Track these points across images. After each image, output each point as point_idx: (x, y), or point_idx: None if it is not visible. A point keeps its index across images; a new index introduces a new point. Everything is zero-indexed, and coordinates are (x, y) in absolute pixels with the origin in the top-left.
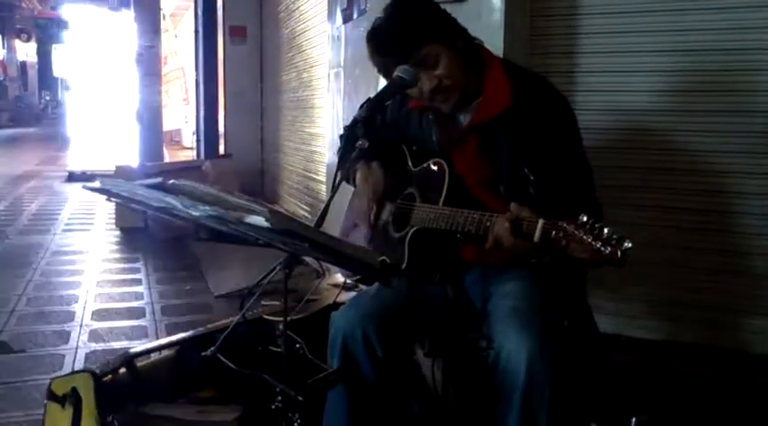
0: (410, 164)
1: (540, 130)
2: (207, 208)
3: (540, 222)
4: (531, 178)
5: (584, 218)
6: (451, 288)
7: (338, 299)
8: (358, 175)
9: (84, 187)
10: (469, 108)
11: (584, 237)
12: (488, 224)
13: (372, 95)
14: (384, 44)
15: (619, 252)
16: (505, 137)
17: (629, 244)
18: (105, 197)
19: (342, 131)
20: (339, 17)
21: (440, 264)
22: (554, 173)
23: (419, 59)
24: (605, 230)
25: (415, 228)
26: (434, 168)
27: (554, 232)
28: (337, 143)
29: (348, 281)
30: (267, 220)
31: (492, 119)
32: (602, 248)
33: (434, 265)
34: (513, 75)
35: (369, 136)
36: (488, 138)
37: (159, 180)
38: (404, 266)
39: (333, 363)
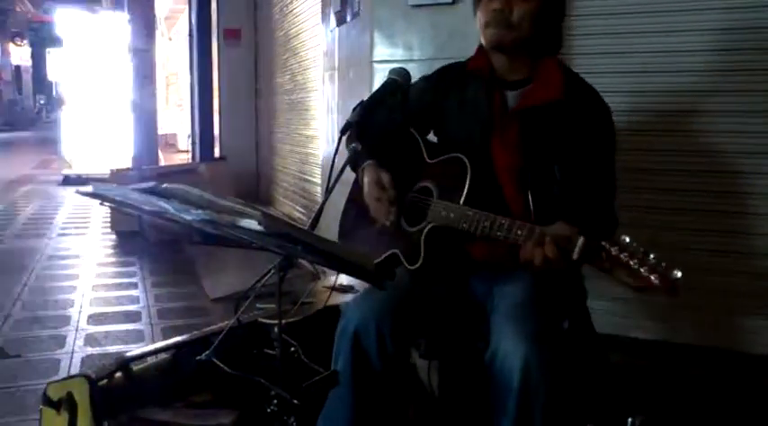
0: (425, 155)
1: (581, 134)
2: (199, 211)
3: (581, 240)
4: (558, 178)
5: (627, 239)
6: (458, 287)
7: (332, 302)
8: (367, 176)
9: (78, 192)
10: (519, 92)
11: (631, 263)
12: (520, 232)
13: (365, 98)
14: None
15: (670, 283)
16: (546, 130)
17: (679, 274)
18: (99, 201)
19: (337, 134)
20: (333, 20)
21: (452, 263)
22: (582, 180)
23: None
24: (651, 256)
25: (432, 225)
26: (454, 163)
27: (596, 252)
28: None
29: (342, 284)
30: (260, 223)
31: (539, 105)
32: (651, 277)
33: (447, 263)
34: (567, 72)
35: (362, 138)
36: (530, 126)
37: (152, 184)
38: (419, 264)
39: (339, 357)
